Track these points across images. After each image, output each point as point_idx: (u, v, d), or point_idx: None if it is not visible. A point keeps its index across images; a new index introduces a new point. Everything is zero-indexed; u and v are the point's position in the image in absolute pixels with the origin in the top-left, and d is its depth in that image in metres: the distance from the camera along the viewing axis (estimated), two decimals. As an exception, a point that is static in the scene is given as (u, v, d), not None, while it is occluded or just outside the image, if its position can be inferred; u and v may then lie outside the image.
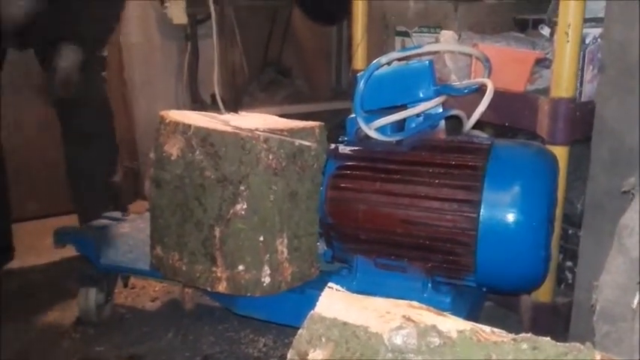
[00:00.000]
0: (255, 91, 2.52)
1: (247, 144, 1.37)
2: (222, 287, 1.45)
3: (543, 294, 1.51)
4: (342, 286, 0.95)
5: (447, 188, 1.33)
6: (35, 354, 1.63)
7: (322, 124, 1.49)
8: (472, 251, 1.30)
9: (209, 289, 1.48)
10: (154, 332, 1.73)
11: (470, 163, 1.33)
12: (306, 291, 1.47)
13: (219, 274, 1.44)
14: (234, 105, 2.36)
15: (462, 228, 1.30)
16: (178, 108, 2.34)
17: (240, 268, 1.42)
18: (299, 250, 1.46)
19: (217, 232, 1.42)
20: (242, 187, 1.38)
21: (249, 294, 1.43)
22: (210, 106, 2.51)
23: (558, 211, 1.45)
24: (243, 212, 1.39)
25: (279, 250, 1.42)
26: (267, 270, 1.42)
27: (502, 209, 1.28)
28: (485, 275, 1.33)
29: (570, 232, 1.61)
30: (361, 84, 1.39)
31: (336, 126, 1.69)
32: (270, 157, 1.37)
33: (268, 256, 1.42)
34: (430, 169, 1.36)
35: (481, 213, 1.28)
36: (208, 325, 1.77)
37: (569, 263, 1.63)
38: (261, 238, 1.40)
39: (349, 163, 1.44)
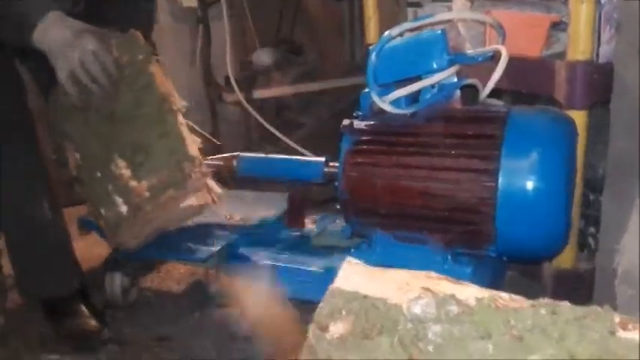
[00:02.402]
0: (269, 69, 2.51)
1: None
2: None
3: (565, 261, 1.50)
4: (362, 260, 0.96)
5: (463, 158, 1.32)
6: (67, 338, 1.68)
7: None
8: (491, 220, 1.29)
9: None
10: (181, 314, 1.76)
11: (487, 132, 1.32)
12: (329, 266, 1.48)
13: None
14: (248, 85, 2.36)
15: (481, 197, 1.29)
16: (191, 92, 2.34)
17: None
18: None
19: None
20: None
21: None
22: (225, 87, 2.51)
23: (579, 177, 1.43)
24: None
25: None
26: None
27: (520, 177, 1.27)
28: (505, 244, 1.32)
29: (592, 197, 1.59)
30: (373, 57, 1.37)
31: (353, 102, 1.68)
32: None
33: None
34: (446, 139, 1.35)
35: (499, 181, 1.27)
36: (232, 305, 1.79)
37: (591, 229, 1.61)
38: None
39: (365, 138, 1.44)
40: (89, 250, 1.82)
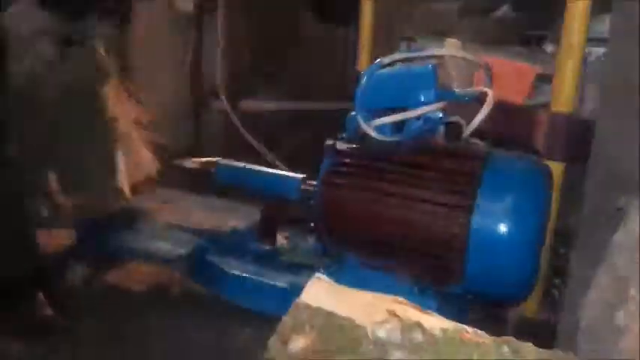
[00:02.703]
0: (257, 83, 2.52)
1: None
2: None
3: (530, 308, 1.51)
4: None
5: (440, 192, 1.34)
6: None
7: None
8: (461, 257, 1.31)
9: None
10: (140, 313, 1.73)
11: (465, 169, 1.34)
12: (295, 283, 1.48)
13: None
14: (234, 96, 2.36)
15: (453, 233, 1.31)
16: (179, 99, 2.33)
17: None
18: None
19: None
20: None
21: None
22: (211, 95, 2.51)
23: (550, 226, 1.46)
24: None
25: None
26: None
27: (495, 218, 1.28)
28: (472, 283, 1.33)
29: (561, 249, 1.62)
30: (363, 81, 1.39)
31: (337, 126, 1.69)
32: None
33: None
34: (425, 171, 1.37)
35: (473, 219, 1.29)
36: (192, 311, 1.76)
37: (557, 280, 1.64)
38: None
39: (345, 160, 1.45)
40: (50, 239, 1.77)
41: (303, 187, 1.62)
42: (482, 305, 1.58)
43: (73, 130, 1.45)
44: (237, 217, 1.87)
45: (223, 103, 2.02)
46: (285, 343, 0.86)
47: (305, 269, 1.57)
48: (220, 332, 1.66)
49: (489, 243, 1.29)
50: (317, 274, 0.94)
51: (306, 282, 1.47)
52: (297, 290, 1.44)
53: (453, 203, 1.32)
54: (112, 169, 1.47)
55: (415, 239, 1.34)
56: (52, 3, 1.37)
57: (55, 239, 1.92)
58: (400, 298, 0.85)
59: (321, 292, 0.91)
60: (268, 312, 1.53)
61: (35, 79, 1.35)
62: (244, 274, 1.54)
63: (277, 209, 1.76)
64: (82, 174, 1.52)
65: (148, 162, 1.55)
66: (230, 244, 1.70)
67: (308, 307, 0.88)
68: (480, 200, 1.29)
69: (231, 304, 1.73)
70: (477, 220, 1.29)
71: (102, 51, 1.44)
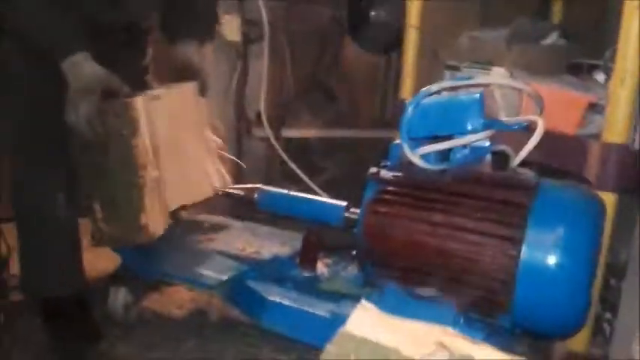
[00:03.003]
0: (300, 111, 2.55)
1: None
2: None
3: (578, 343, 1.45)
4: None
5: (488, 222, 1.30)
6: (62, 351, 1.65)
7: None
8: (509, 290, 1.26)
9: None
10: (178, 339, 1.73)
11: (515, 200, 1.31)
12: (336, 312, 1.45)
13: None
14: (277, 123, 2.39)
15: (501, 265, 1.27)
16: (224, 126, 2.36)
17: None
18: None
19: None
20: None
21: None
22: (255, 123, 2.54)
23: (601, 260, 1.40)
24: None
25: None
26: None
27: (545, 250, 1.24)
28: (520, 316, 1.29)
29: (612, 282, 1.56)
30: (410, 109, 1.38)
31: (377, 154, 1.68)
32: None
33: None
34: (472, 201, 1.34)
35: (523, 251, 1.25)
36: (231, 337, 1.75)
37: (608, 315, 1.57)
38: None
39: (389, 188, 1.43)
40: (94, 262, 1.80)
41: (346, 214, 1.61)
42: (529, 338, 1.53)
43: (110, 169, 1.58)
44: (279, 244, 1.86)
45: (266, 130, 2.04)
46: None
47: (346, 298, 1.55)
48: (256, 358, 1.65)
49: (539, 275, 1.24)
50: (362, 302, 0.92)
51: (347, 312, 1.45)
52: (337, 319, 1.43)
53: (501, 234, 1.28)
54: (138, 207, 1.57)
55: (461, 270, 1.31)
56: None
57: (98, 264, 1.96)
58: (449, 329, 0.82)
59: (366, 321, 0.89)
60: (307, 341, 1.52)
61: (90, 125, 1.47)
62: (284, 302, 1.52)
63: (319, 236, 1.75)
64: (114, 208, 1.61)
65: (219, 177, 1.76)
66: (271, 270, 1.69)
67: (353, 336, 0.86)
68: (530, 231, 1.26)
69: (269, 333, 1.72)
70: (526, 252, 1.25)
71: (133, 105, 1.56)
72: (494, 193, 1.34)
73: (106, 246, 1.68)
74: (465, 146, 1.39)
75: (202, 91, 1.80)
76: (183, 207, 1.85)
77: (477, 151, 1.40)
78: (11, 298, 1.74)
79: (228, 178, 1.93)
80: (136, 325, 1.78)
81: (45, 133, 1.56)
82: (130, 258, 1.69)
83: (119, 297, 1.73)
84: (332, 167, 2.65)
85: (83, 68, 1.43)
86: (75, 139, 1.56)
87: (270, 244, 1.84)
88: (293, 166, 2.03)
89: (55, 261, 1.63)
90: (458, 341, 0.80)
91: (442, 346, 0.78)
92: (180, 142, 1.79)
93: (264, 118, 2.02)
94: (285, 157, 2.05)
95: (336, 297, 1.56)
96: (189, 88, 1.79)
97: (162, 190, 1.67)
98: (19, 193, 1.61)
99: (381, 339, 0.83)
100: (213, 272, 1.60)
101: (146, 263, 1.67)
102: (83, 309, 1.67)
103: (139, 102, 1.55)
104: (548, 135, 1.42)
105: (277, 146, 2.09)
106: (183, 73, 1.79)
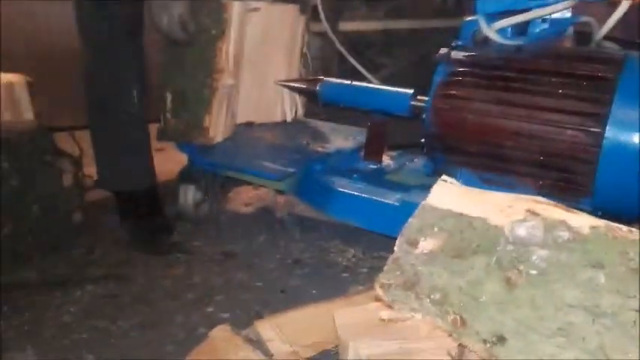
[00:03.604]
0: (357, 3, 2.43)
1: None
2: None
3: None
4: None
5: (570, 100, 1.22)
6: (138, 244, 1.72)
7: None
8: (592, 171, 1.20)
9: None
10: (247, 234, 1.78)
11: (599, 74, 1.21)
12: (403, 200, 1.44)
13: None
14: (335, 17, 2.29)
15: (584, 144, 1.20)
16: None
17: None
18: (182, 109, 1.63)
19: None
20: None
21: None
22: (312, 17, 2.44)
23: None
24: None
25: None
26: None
27: (631, 127, 1.16)
28: (603, 198, 1.22)
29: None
30: (485, -19, 1.28)
31: (438, 45, 1.58)
32: None
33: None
34: (553, 78, 1.25)
35: (607, 129, 1.17)
36: (299, 233, 1.79)
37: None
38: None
39: (461, 69, 1.35)
40: (162, 164, 1.83)
41: (412, 102, 1.55)
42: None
43: (189, 64, 1.61)
44: (342, 139, 1.84)
45: (323, 24, 1.95)
46: (411, 244, 0.83)
47: (413, 188, 1.52)
48: (324, 250, 1.67)
49: (624, 154, 1.17)
50: (443, 177, 0.88)
51: (417, 200, 1.43)
52: (407, 207, 1.41)
53: (584, 111, 1.20)
54: (204, 109, 1.62)
55: (541, 151, 1.24)
56: None
57: (166, 166, 2.00)
58: (541, 198, 0.78)
59: (448, 195, 0.85)
60: (377, 230, 1.52)
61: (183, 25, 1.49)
62: (353, 192, 1.51)
63: (384, 126, 1.71)
64: (183, 103, 1.64)
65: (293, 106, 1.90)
66: (337, 163, 1.68)
67: (435, 208, 0.83)
68: (615, 108, 1.17)
69: (336, 227, 1.74)
70: (610, 130, 1.17)
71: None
72: (575, 68, 1.24)
73: (169, 140, 1.72)
74: (544, 19, 1.29)
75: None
76: (250, 123, 1.86)
77: (557, 24, 1.30)
78: (87, 198, 1.81)
79: (301, 109, 1.92)
80: (206, 222, 1.83)
81: (121, 27, 1.56)
82: (196, 156, 1.70)
83: (189, 195, 1.77)
84: (391, 63, 2.55)
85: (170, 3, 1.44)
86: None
87: (334, 139, 1.82)
88: (352, 60, 1.95)
89: (127, 156, 1.67)
90: (551, 209, 0.76)
91: (533, 213, 0.74)
92: (266, 61, 1.79)
93: (320, 10, 1.93)
94: (343, 50, 1.97)
95: (404, 187, 1.54)
96: (292, 9, 1.82)
97: (233, 100, 1.69)
98: (92, 87, 1.63)
99: (465, 210, 0.80)
100: (280, 166, 1.59)
101: (214, 160, 1.68)
102: (155, 204, 1.73)
103: (235, 6, 1.55)
104: (634, 9, 1.30)
105: (335, 40, 2.01)
106: None
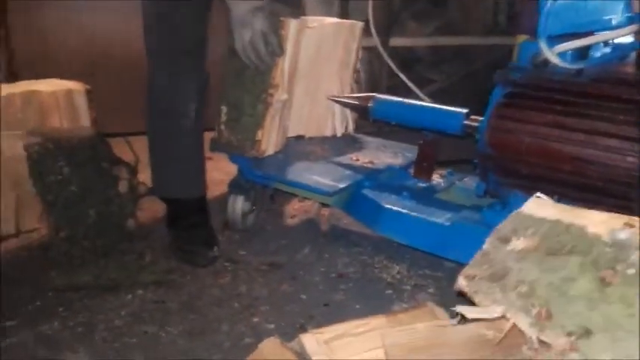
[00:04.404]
0: (407, 19, 2.43)
1: None
2: None
3: None
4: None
5: (630, 126, 1.20)
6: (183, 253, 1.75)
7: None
8: (651, 198, 1.17)
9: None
10: (292, 245, 1.79)
11: (663, 101, 1.19)
12: (454, 221, 1.43)
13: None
14: (384, 32, 2.30)
15: (644, 171, 1.17)
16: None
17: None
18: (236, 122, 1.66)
19: None
20: None
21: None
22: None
23: None
24: None
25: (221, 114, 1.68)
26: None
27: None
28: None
29: None
30: (548, 4, 1.26)
31: (487, 63, 1.58)
32: None
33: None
34: (613, 103, 1.23)
35: (668, 157, 1.14)
36: (343, 246, 1.79)
37: None
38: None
39: (519, 91, 1.34)
40: (209, 174, 1.87)
41: (465, 122, 1.54)
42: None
43: (246, 78, 1.64)
44: (392, 155, 1.84)
45: (374, 38, 1.96)
46: (503, 241, 0.83)
47: (464, 208, 1.51)
48: (369, 265, 1.67)
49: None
50: (537, 193, 0.88)
51: (467, 220, 1.42)
52: (457, 228, 1.41)
53: (646, 138, 1.18)
54: (258, 122, 1.64)
55: (598, 177, 1.22)
56: None
57: (216, 175, 2.04)
58: (636, 218, 0.78)
59: (542, 208, 0.85)
60: (426, 249, 1.52)
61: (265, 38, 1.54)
62: (402, 210, 1.50)
63: (436, 145, 1.70)
64: (238, 116, 1.67)
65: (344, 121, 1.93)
66: (386, 179, 1.68)
67: (530, 216, 0.83)
68: (679, 135, 1.14)
69: (380, 243, 1.74)
70: (674, 158, 1.14)
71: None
72: (637, 95, 1.22)
73: (221, 151, 1.75)
74: (606, 43, 1.27)
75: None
76: (301, 136, 1.89)
77: (619, 49, 1.28)
78: (141, 206, 1.85)
79: (352, 125, 1.94)
80: (253, 232, 1.85)
81: (184, 39, 1.61)
82: (247, 167, 1.73)
83: (237, 205, 1.80)
84: (439, 78, 2.54)
85: None
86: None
87: (384, 155, 1.82)
88: (402, 75, 1.96)
89: (181, 166, 1.71)
90: None
91: (631, 225, 0.74)
92: (320, 76, 1.82)
93: (371, 25, 1.94)
94: (393, 65, 1.98)
95: (453, 206, 1.53)
96: (347, 26, 1.84)
97: (285, 114, 1.73)
98: (153, 98, 1.67)
99: (561, 218, 0.80)
100: (330, 180, 1.60)
101: (264, 172, 1.70)
102: (203, 214, 1.76)
103: (293, 23, 1.59)
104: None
105: (385, 55, 2.02)
106: None
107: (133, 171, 1.74)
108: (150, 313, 1.43)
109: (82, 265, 1.60)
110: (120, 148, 1.81)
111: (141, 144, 1.76)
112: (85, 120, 1.82)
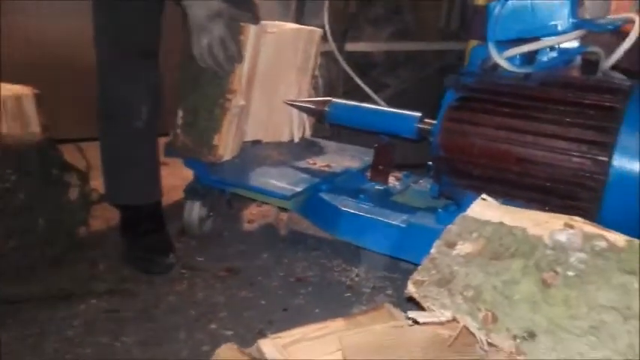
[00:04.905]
0: (363, 25, 2.46)
1: None
2: None
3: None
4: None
5: (577, 128, 1.24)
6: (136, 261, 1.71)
7: None
8: (598, 198, 1.21)
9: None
10: (250, 251, 1.78)
11: (606, 104, 1.23)
12: (409, 222, 1.45)
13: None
14: (340, 37, 2.32)
15: (590, 172, 1.22)
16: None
17: None
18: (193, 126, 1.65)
19: None
20: None
21: None
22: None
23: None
24: None
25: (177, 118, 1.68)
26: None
27: (638, 155, 1.18)
28: (608, 226, 1.24)
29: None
30: (496, 11, 1.30)
31: (441, 69, 1.61)
32: None
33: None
34: (560, 106, 1.27)
35: (614, 157, 1.19)
36: (302, 251, 1.79)
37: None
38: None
39: (469, 95, 1.37)
40: (164, 179, 1.84)
41: (419, 125, 1.57)
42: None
43: (203, 83, 1.62)
44: (349, 159, 1.86)
45: (330, 44, 1.98)
46: (449, 246, 0.84)
47: (419, 210, 1.54)
48: (328, 269, 1.68)
49: (630, 183, 1.19)
50: (482, 195, 0.90)
51: (423, 222, 1.44)
52: (413, 229, 1.43)
53: (591, 140, 1.22)
54: (215, 127, 1.63)
55: (547, 178, 1.26)
56: None
57: (172, 181, 2.01)
58: (577, 218, 0.81)
59: (487, 210, 0.87)
60: (383, 251, 1.53)
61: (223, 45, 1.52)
62: (359, 212, 1.52)
63: (391, 148, 1.72)
64: (195, 120, 1.66)
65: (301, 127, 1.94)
66: (343, 183, 1.69)
67: (474, 219, 0.85)
68: (623, 136, 1.19)
69: (338, 246, 1.75)
70: (618, 158, 1.19)
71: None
72: (582, 97, 1.27)
73: (177, 156, 1.74)
74: (553, 48, 1.31)
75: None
76: (258, 141, 1.88)
77: (565, 54, 1.32)
78: (93, 214, 1.81)
79: (309, 130, 1.95)
80: (211, 238, 1.84)
81: (135, 43, 1.58)
82: (204, 172, 1.71)
83: (194, 211, 1.78)
84: (394, 83, 2.57)
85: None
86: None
87: (340, 159, 1.83)
88: (358, 80, 1.98)
89: (134, 171, 1.67)
90: (586, 225, 0.78)
91: (571, 226, 0.77)
92: (278, 81, 1.81)
93: (327, 30, 1.95)
94: (349, 70, 2.00)
95: (410, 208, 1.55)
96: (306, 32, 1.84)
97: (243, 119, 1.72)
98: (104, 100, 1.64)
99: (505, 220, 0.82)
100: (287, 184, 1.60)
101: (221, 177, 1.69)
102: (158, 220, 1.73)
103: (252, 29, 1.57)
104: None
105: (342, 60, 2.04)
106: None
107: (85, 177, 1.70)
108: (104, 322, 1.40)
109: (33, 274, 1.55)
110: (71, 154, 1.77)
111: (93, 150, 1.72)
112: (34, 125, 1.76)
